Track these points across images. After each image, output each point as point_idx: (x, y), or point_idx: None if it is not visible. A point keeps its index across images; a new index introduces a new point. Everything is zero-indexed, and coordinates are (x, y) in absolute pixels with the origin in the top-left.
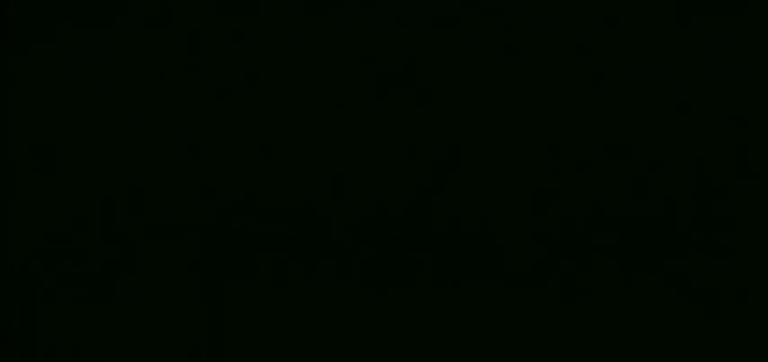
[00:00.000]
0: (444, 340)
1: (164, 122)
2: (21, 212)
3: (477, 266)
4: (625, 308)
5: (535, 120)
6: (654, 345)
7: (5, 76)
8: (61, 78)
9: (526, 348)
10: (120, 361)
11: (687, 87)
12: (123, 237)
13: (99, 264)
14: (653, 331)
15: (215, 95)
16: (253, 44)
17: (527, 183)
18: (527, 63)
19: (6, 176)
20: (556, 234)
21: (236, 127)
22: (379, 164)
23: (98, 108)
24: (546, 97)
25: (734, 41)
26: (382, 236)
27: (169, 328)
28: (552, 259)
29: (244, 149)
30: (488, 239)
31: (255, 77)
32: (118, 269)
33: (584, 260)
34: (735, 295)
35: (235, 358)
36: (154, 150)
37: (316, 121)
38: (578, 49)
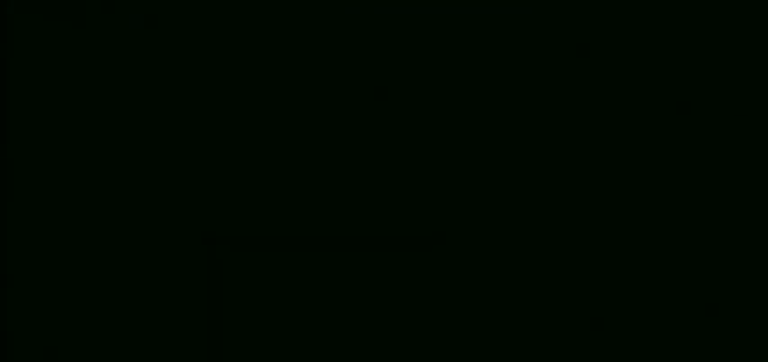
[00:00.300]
0: (447, 342)
1: (164, 121)
2: (21, 212)
3: (479, 267)
4: (625, 309)
5: (535, 120)
6: (655, 346)
7: (5, 76)
8: (61, 78)
9: (529, 351)
10: (119, 361)
11: (687, 87)
12: (123, 236)
13: (99, 263)
14: (658, 334)
15: (215, 95)
16: (253, 44)
17: (528, 183)
18: (527, 63)
19: (6, 176)
20: (557, 235)
21: (237, 127)
22: (380, 164)
23: (98, 108)
24: (546, 97)
25: (734, 41)
26: (384, 236)
27: (169, 328)
28: (554, 261)
29: (244, 148)
30: (489, 239)
31: (256, 77)
32: (118, 269)
33: (584, 261)
34: (735, 296)
35: (235, 359)
36: (154, 150)
37: (317, 121)
38: (578, 48)
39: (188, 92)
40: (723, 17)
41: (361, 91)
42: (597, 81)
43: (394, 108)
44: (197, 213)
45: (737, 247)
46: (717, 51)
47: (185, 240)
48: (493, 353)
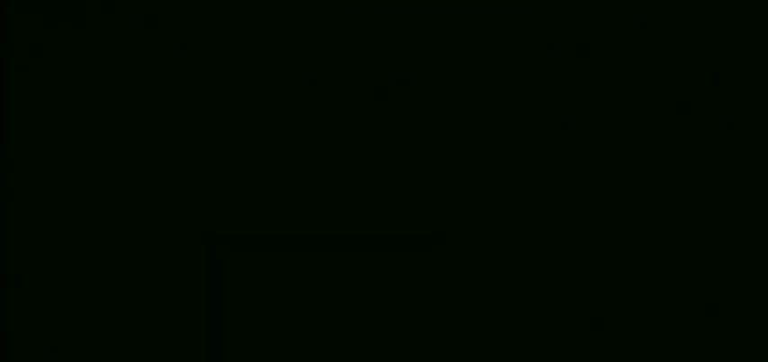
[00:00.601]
0: (447, 342)
1: (164, 122)
2: (21, 212)
3: (479, 267)
4: (625, 309)
5: (535, 120)
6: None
7: (5, 76)
8: (61, 78)
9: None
10: (119, 361)
11: (687, 87)
12: (123, 237)
13: (99, 264)
14: (659, 334)
15: (215, 95)
16: (253, 44)
17: (527, 183)
18: (527, 63)
19: (6, 176)
20: (557, 235)
21: (237, 127)
22: (380, 164)
23: (98, 108)
24: (546, 97)
25: (734, 41)
26: (384, 236)
27: (169, 328)
28: (554, 261)
29: (244, 148)
30: (489, 240)
31: (256, 77)
32: (118, 269)
33: (584, 261)
34: (735, 296)
35: (235, 359)
36: (154, 150)
37: (317, 121)
38: (578, 49)
39: (188, 92)
40: (723, 17)
41: (361, 91)
42: (597, 81)
43: (394, 108)
44: (197, 213)
45: (737, 247)
46: (717, 51)
47: (185, 240)
48: (493, 353)
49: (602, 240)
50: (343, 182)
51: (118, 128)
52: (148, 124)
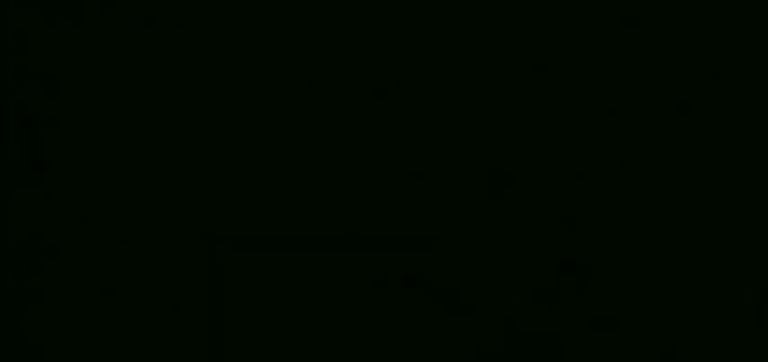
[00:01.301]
0: (447, 342)
1: (164, 121)
2: (20, 213)
3: (479, 266)
4: (625, 309)
5: (535, 120)
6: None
7: (5, 75)
8: (61, 78)
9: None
10: (119, 361)
11: (687, 87)
12: (123, 236)
13: (98, 263)
14: (659, 334)
15: (215, 95)
16: (253, 44)
17: (527, 184)
18: (527, 63)
19: (6, 176)
20: (556, 235)
21: (237, 127)
22: (380, 164)
23: (97, 108)
24: (546, 97)
25: (734, 41)
26: (383, 236)
27: (169, 328)
28: (553, 261)
29: (244, 148)
30: (489, 239)
31: (256, 77)
32: (117, 269)
33: (583, 261)
34: (735, 296)
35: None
36: (154, 150)
37: (317, 120)
38: (578, 48)
39: (188, 92)
40: (723, 17)
41: (361, 91)
42: (597, 81)
43: (394, 108)
44: (197, 213)
45: (737, 247)
46: (717, 51)
47: (185, 240)
48: (493, 353)
49: (602, 241)
50: (342, 182)
51: (118, 128)
52: (148, 124)
